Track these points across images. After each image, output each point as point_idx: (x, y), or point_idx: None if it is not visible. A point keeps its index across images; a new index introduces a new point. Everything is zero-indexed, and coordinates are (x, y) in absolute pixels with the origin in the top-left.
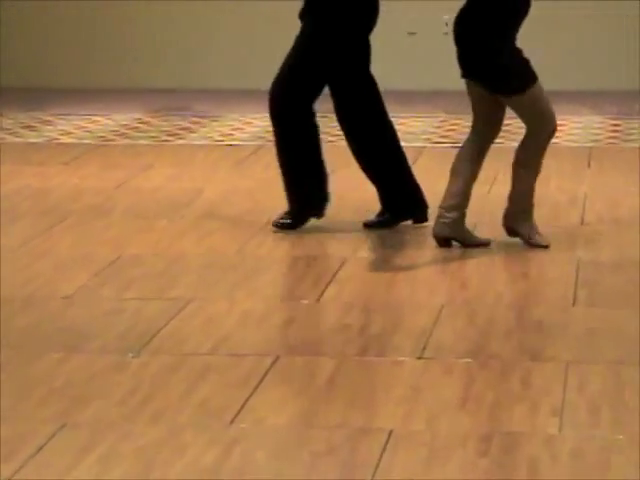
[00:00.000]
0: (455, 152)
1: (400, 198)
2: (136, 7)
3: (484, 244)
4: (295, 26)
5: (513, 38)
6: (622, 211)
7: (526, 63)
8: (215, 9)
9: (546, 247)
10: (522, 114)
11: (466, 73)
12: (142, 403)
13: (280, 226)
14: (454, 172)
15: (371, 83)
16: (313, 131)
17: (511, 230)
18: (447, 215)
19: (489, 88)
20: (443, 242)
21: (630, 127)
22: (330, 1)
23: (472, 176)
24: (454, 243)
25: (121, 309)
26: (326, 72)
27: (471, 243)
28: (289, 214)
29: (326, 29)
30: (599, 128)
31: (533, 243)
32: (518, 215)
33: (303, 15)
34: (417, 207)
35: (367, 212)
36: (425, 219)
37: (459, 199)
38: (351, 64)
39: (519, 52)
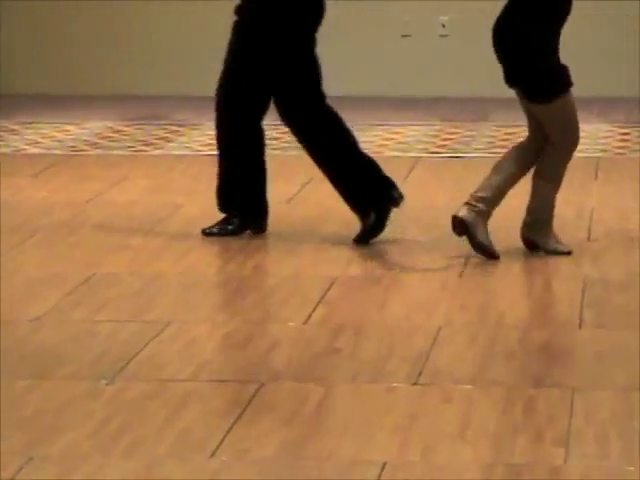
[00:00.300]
0: (453, 162)
1: (365, 191)
2: (109, 10)
3: (491, 253)
4: None
5: (554, 42)
6: (631, 226)
7: (563, 70)
8: (193, 15)
9: (569, 253)
10: (547, 123)
11: (506, 79)
12: (117, 434)
13: (209, 234)
14: (495, 168)
15: (322, 100)
16: (257, 141)
17: (529, 242)
18: (474, 204)
19: (526, 94)
20: (459, 225)
21: None
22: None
23: (512, 177)
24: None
25: (94, 332)
26: (267, 73)
27: (480, 244)
28: (225, 223)
29: (265, 26)
30: (607, 137)
31: (554, 251)
32: (537, 227)
33: (240, 10)
34: (386, 191)
35: (359, 227)
36: (397, 202)
37: (491, 193)
38: (295, 69)
39: (557, 58)
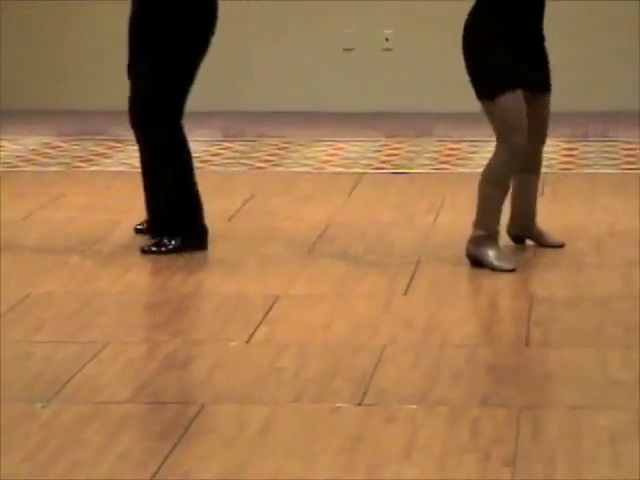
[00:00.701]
0: (397, 178)
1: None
2: (43, 23)
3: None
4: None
5: (510, 39)
6: (578, 243)
7: (510, 69)
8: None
9: (512, 270)
10: (490, 122)
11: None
12: (53, 458)
13: (151, 252)
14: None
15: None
16: (182, 148)
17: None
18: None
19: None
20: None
21: (586, 151)
22: None
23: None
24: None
25: (30, 353)
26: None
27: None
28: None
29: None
30: (552, 152)
31: (495, 268)
32: (477, 239)
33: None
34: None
35: (302, 244)
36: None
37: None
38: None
39: (507, 54)
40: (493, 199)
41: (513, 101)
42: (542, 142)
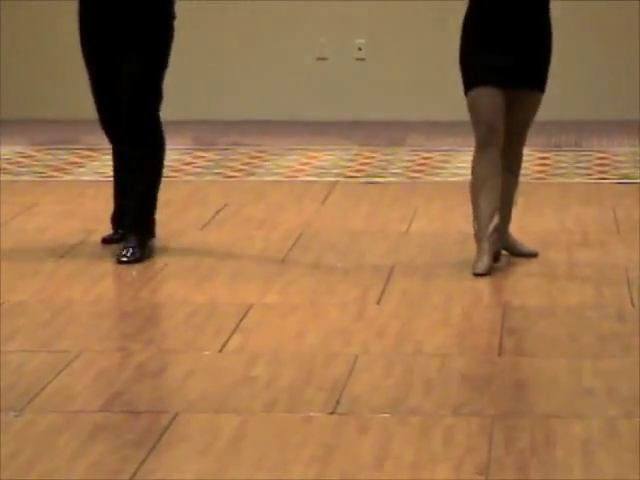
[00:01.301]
0: (369, 187)
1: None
2: (14, 31)
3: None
4: (189, 46)
5: (484, 39)
6: (551, 252)
7: (476, 68)
8: None
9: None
10: None
11: None
12: (26, 467)
13: (127, 262)
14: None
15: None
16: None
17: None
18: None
19: None
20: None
21: (559, 160)
22: None
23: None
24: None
25: (3, 362)
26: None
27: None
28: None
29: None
30: (526, 161)
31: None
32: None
33: None
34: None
35: (275, 253)
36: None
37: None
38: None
39: (480, 51)
40: (472, 194)
41: (478, 97)
42: (518, 143)
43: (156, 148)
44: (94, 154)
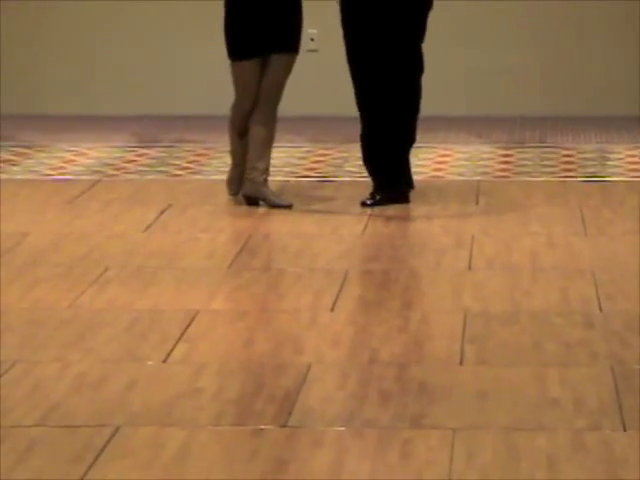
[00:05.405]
0: (323, 186)
1: None
2: None
3: (287, 205)
4: (139, 45)
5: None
6: (514, 255)
7: (239, 38)
8: (41, 28)
9: (289, 207)
10: None
11: None
12: None
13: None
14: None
15: None
16: None
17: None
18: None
19: None
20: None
21: (522, 157)
22: None
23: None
24: None
25: None
26: None
27: (275, 204)
28: None
29: None
30: (488, 159)
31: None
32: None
33: None
34: None
35: (222, 257)
36: None
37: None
38: None
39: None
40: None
41: (240, 71)
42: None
43: None
44: (28, 151)
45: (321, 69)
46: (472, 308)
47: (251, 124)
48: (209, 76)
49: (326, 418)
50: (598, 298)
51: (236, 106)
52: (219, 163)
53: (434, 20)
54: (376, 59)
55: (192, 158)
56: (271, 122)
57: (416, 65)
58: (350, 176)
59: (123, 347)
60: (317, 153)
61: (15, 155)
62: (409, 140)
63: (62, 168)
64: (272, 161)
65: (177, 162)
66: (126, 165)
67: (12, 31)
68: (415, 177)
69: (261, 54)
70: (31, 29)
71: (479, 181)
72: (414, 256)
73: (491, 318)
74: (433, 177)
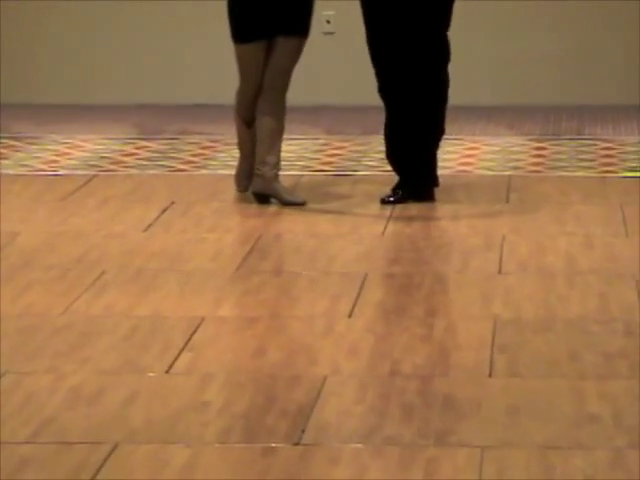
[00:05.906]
0: (340, 181)
1: None
2: None
3: (301, 202)
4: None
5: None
6: (549, 257)
7: (242, 22)
8: (35, 16)
9: (302, 204)
10: None
11: None
12: None
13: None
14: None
15: None
16: None
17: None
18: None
19: None
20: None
21: (558, 151)
22: None
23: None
24: None
25: None
26: None
27: (289, 202)
28: None
29: None
30: (519, 152)
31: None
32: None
33: None
34: None
35: (230, 259)
36: None
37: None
38: None
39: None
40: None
41: (243, 54)
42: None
43: None
44: (19, 144)
45: (338, 53)
46: (502, 315)
47: (258, 115)
48: (216, 61)
49: (343, 435)
50: None
51: (239, 93)
52: (227, 156)
53: (459, 5)
54: (399, 48)
55: (197, 151)
56: (279, 112)
57: (441, 54)
58: (369, 171)
59: (122, 357)
60: (333, 146)
61: (4, 148)
62: (437, 132)
63: (55, 162)
64: (284, 154)
65: (181, 155)
66: (125, 159)
67: (6, 16)
68: (440, 172)
69: (266, 37)
70: (26, 10)
71: (510, 176)
72: (439, 258)
73: (523, 326)
74: (460, 172)
